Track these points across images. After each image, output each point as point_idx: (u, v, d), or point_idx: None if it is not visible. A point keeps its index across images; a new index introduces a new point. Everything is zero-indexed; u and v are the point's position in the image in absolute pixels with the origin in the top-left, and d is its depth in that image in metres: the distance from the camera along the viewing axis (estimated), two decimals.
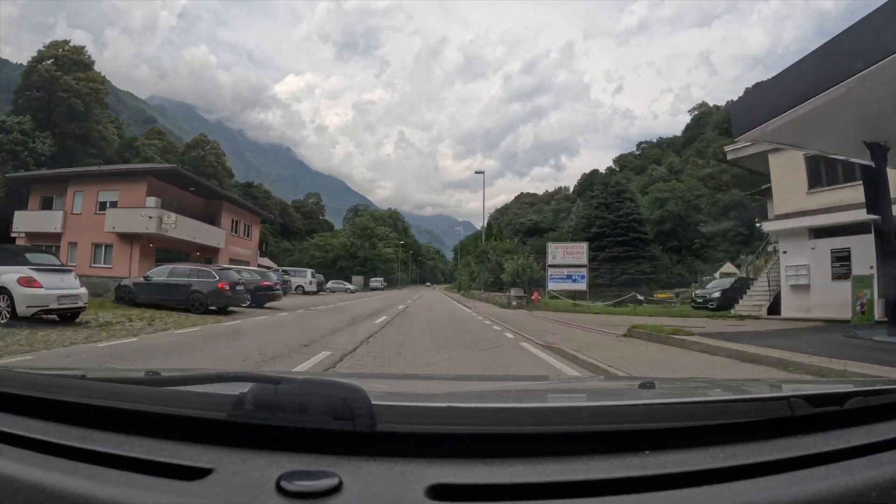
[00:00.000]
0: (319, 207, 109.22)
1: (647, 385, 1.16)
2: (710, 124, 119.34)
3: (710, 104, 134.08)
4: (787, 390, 1.02)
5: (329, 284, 52.71)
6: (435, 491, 0.60)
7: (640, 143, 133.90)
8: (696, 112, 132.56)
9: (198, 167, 73.82)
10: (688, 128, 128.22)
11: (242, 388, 0.72)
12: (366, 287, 69.07)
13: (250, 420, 0.68)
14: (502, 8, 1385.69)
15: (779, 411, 0.79)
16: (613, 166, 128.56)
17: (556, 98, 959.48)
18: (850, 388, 0.94)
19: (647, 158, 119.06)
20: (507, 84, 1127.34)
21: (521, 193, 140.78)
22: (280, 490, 0.58)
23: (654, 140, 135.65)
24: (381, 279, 71.39)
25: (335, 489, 0.59)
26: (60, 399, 0.80)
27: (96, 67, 57.92)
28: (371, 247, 74.66)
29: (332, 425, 0.66)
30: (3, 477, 0.64)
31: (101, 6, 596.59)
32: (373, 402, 0.67)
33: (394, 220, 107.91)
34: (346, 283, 54.07)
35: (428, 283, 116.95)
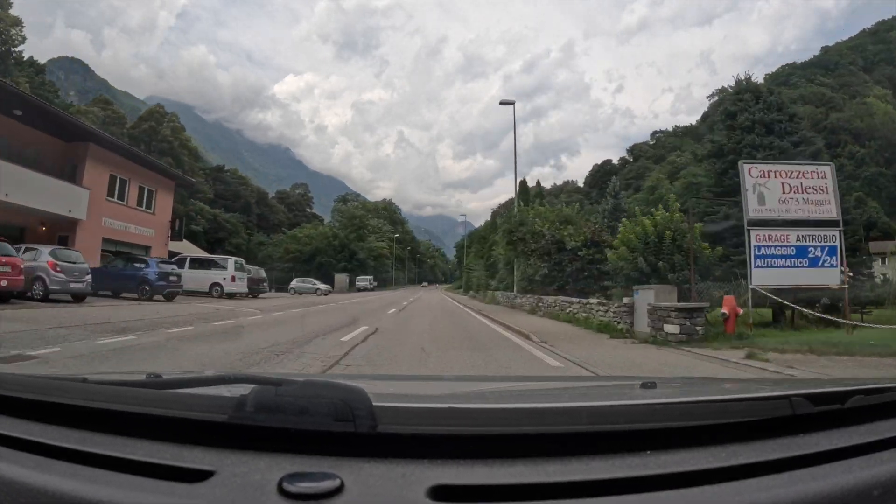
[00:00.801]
0: (307, 199, 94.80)
1: (649, 385, 1.12)
2: None
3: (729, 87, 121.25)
4: (789, 389, 0.94)
5: (294, 284, 38.44)
6: (436, 492, 0.58)
7: (654, 132, 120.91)
8: (715, 98, 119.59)
9: (149, 142, 59.57)
10: (705, 116, 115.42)
11: (243, 390, 0.70)
12: (351, 287, 54.85)
13: (251, 422, 0.66)
14: (502, 7, 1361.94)
15: (780, 410, 0.76)
16: (627, 157, 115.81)
17: (557, 98, 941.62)
18: (851, 386, 0.89)
19: (662, 147, 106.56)
20: (508, 84, 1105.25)
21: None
22: (281, 492, 0.57)
23: (670, 129, 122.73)
24: (370, 278, 56.94)
25: (336, 490, 0.57)
26: (61, 402, 0.77)
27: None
28: (359, 239, 60.18)
29: (333, 427, 0.64)
30: (4, 480, 0.62)
31: (100, 6, 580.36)
32: (374, 404, 0.66)
33: (389, 212, 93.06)
34: (316, 282, 39.57)
35: (424, 284, 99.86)
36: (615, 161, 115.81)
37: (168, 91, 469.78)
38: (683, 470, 0.64)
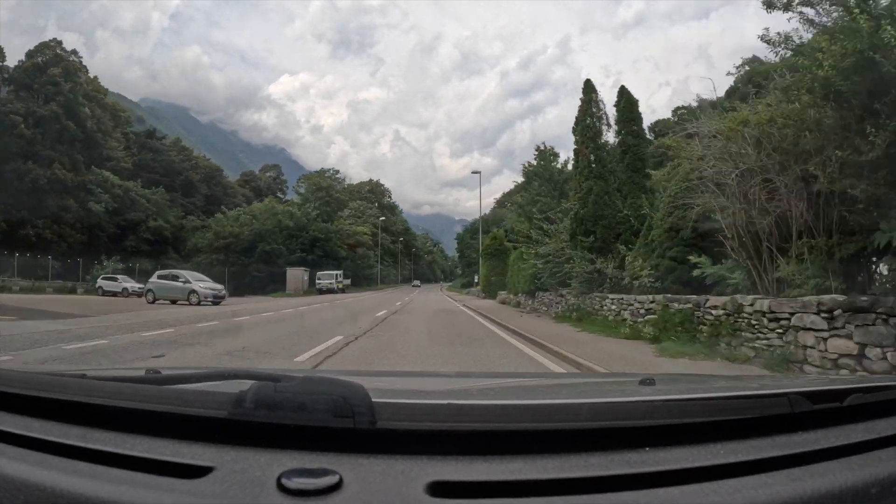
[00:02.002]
0: (278, 183, 75.03)
1: (648, 382, 1.07)
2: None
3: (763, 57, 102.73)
4: (787, 387, 0.92)
5: (152, 283, 18.81)
6: (435, 488, 0.57)
7: (677, 108, 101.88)
8: (744, 68, 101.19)
9: (30, 87, 40.20)
10: (731, 90, 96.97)
11: (243, 385, 0.68)
12: (311, 287, 35.59)
13: (251, 418, 0.64)
14: (498, 3, 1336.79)
15: (779, 408, 0.74)
16: (648, 135, 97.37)
17: (554, 94, 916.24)
18: (850, 384, 0.87)
19: (690, 122, 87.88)
20: (504, 80, 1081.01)
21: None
22: (281, 488, 0.55)
23: (694, 104, 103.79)
24: (338, 273, 37.46)
25: (335, 486, 0.55)
26: (60, 398, 0.74)
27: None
28: (326, 219, 40.63)
29: (333, 423, 0.62)
30: (4, 477, 0.60)
31: (92, 7, 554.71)
32: (373, 400, 0.64)
33: (377, 195, 72.92)
34: (194, 276, 19.10)
35: (415, 283, 72.36)
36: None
37: (162, 93, 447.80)
38: (682, 467, 0.62)
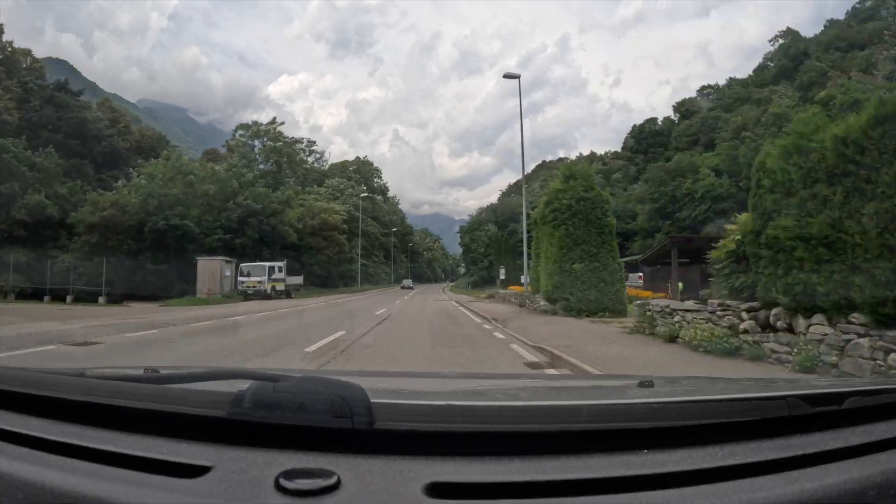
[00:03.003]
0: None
1: (646, 384, 1.06)
2: (816, 50, 74.67)
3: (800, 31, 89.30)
4: (786, 389, 0.92)
5: None
6: (433, 489, 0.56)
7: (703, 87, 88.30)
8: (780, 42, 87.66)
9: None
10: (761, 67, 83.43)
11: (241, 385, 0.67)
12: (234, 291, 21.56)
13: (249, 418, 0.63)
14: (497, 2, 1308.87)
15: (777, 411, 0.73)
16: (672, 116, 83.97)
17: (553, 93, 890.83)
18: (848, 387, 0.86)
19: (717, 100, 74.71)
20: (503, 79, 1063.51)
21: (544, 161, 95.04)
22: (279, 488, 0.54)
23: (720, 83, 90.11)
24: (277, 266, 23.23)
25: (333, 487, 0.54)
26: (59, 396, 0.73)
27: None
28: (273, 184, 26.44)
29: (331, 423, 0.61)
30: (2, 475, 0.59)
31: (90, 7, 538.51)
32: (371, 400, 0.63)
33: (364, 174, 58.28)
34: None
35: (406, 283, 54.17)
36: (661, 120, 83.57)
37: (160, 94, 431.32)
38: (680, 469, 0.61)
